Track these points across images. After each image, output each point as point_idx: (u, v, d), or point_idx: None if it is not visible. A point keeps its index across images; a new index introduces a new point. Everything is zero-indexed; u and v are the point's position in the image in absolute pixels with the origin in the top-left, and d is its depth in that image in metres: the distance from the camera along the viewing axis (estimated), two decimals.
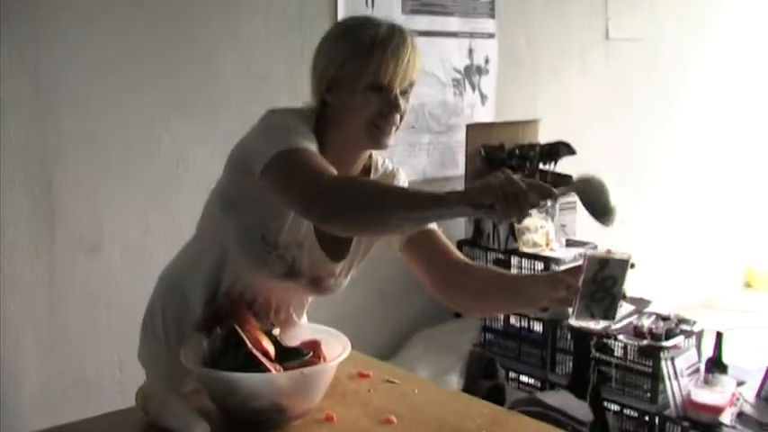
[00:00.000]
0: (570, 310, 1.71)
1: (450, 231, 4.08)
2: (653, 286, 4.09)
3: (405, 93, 1.85)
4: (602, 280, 1.68)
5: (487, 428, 1.84)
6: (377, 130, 1.85)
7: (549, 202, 1.61)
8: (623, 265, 1.69)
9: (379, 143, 1.89)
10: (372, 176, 2.04)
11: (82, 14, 2.90)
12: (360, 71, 1.81)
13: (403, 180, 2.09)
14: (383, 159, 2.10)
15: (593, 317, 1.71)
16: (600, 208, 1.65)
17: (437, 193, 1.64)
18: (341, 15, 3.64)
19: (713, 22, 5.84)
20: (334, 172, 1.74)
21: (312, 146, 1.80)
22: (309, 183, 1.72)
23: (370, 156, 2.02)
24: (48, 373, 2.94)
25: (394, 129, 1.88)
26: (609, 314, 1.70)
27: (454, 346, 3.74)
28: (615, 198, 1.64)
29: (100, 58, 2.95)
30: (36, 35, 2.80)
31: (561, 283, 1.78)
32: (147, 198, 2.79)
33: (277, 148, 1.76)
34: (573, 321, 1.61)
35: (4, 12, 2.71)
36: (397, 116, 1.85)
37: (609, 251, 1.72)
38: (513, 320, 3.93)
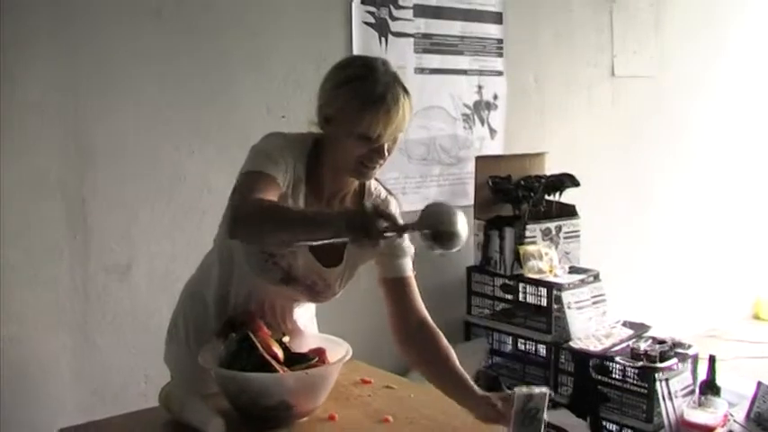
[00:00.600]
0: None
1: (461, 258, 4.29)
2: (659, 316, 4.27)
3: (394, 139, 2.07)
4: (529, 410, 1.91)
5: (472, 425, 2.04)
6: (363, 167, 2.08)
7: (397, 233, 1.77)
8: (544, 396, 1.93)
9: (363, 177, 2.14)
10: (365, 199, 2.24)
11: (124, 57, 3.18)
12: (353, 121, 2.02)
13: (394, 207, 2.28)
14: (376, 186, 2.29)
15: None
16: (443, 233, 1.78)
17: (319, 219, 1.91)
18: None
19: (718, 59, 5.92)
20: (270, 198, 1.97)
21: (277, 171, 2.02)
22: (237, 201, 1.99)
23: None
24: (78, 378, 3.17)
25: (378, 166, 2.09)
26: None
27: (464, 367, 3.91)
28: (461, 224, 1.79)
29: (131, 105, 3.22)
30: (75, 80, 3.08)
31: (493, 408, 1.99)
32: (174, 223, 3.03)
33: (244, 169, 2.04)
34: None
35: (48, 43, 3.00)
36: (382, 160, 2.07)
37: (530, 388, 1.94)
38: (520, 345, 4.11)
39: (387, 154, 2.07)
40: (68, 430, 2.09)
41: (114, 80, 3.17)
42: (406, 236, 2.16)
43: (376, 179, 2.30)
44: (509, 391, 1.95)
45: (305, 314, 2.42)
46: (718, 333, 5.75)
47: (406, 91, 2.06)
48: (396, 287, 2.26)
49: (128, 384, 3.18)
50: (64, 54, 3.06)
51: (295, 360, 2.08)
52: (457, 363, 2.17)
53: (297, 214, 2.01)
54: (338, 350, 2.14)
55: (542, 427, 1.92)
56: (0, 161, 2.95)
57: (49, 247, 3.07)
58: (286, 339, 2.15)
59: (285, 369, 2.02)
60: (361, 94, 2.02)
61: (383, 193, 2.31)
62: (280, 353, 2.07)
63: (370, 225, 1.73)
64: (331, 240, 1.85)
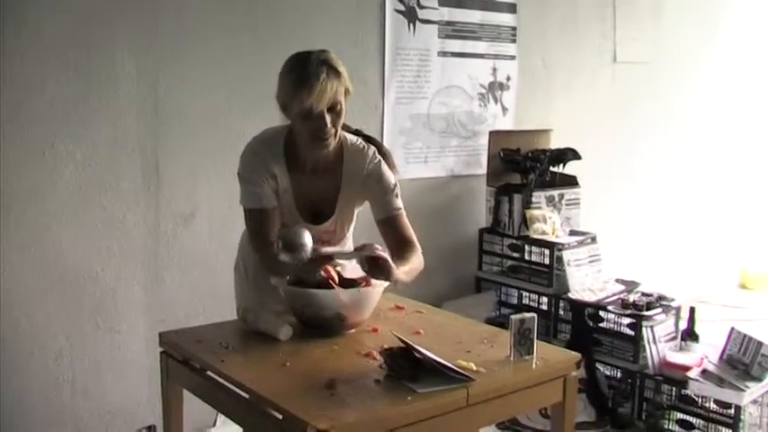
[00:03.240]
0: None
1: (473, 220, 4.76)
2: (651, 282, 4.63)
3: (332, 109, 2.52)
4: (524, 331, 2.37)
5: (487, 339, 2.55)
6: (317, 138, 2.56)
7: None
8: (533, 319, 2.39)
9: (321, 147, 2.60)
10: (345, 154, 2.70)
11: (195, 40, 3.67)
12: (293, 103, 2.52)
13: (371, 156, 2.73)
14: (353, 140, 2.75)
15: (521, 355, 2.37)
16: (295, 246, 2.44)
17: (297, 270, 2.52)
18: (388, 40, 4.33)
19: (711, 46, 6.24)
20: (273, 230, 2.58)
21: (263, 193, 2.62)
22: (255, 252, 2.72)
23: (340, 138, 2.68)
24: (149, 308, 3.68)
25: (330, 136, 2.56)
26: (531, 351, 2.38)
27: (473, 316, 4.27)
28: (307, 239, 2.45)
29: (199, 74, 3.72)
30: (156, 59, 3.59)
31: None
32: (231, 177, 3.49)
33: (242, 202, 2.69)
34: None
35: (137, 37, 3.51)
36: (328, 129, 2.53)
37: (522, 314, 2.40)
38: (524, 298, 4.53)
39: (330, 123, 2.52)
40: (168, 333, 2.60)
41: (187, 53, 3.66)
42: (389, 172, 2.72)
43: (359, 133, 2.81)
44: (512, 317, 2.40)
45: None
46: (707, 299, 6.08)
47: (332, 68, 2.51)
48: (387, 225, 2.73)
49: (189, 316, 3.68)
50: (146, 31, 3.55)
51: (347, 284, 2.57)
52: (407, 262, 2.63)
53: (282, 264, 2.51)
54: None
55: (534, 342, 2.38)
56: (97, 123, 3.47)
57: (130, 196, 3.58)
58: (339, 268, 2.63)
59: (340, 288, 2.52)
60: (293, 79, 2.51)
61: (361, 145, 2.76)
62: (336, 277, 2.57)
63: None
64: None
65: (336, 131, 2.58)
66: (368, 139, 2.82)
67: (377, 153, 2.76)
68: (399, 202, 2.74)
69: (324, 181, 2.69)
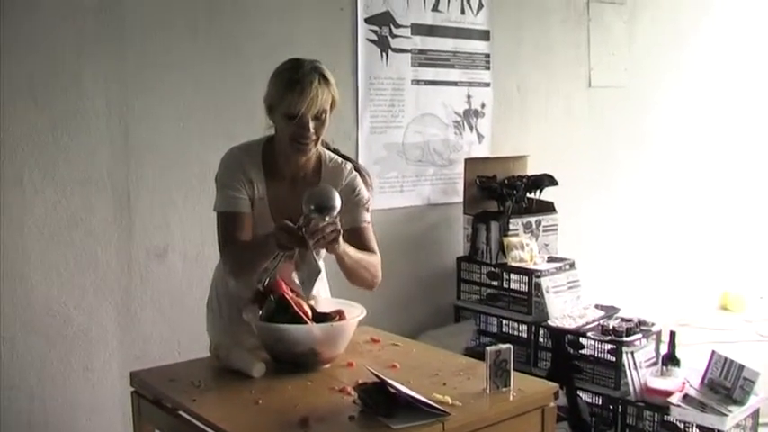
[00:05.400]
0: None
1: (451, 249, 4.74)
2: (632, 306, 4.64)
3: (317, 117, 2.56)
4: (500, 363, 2.35)
5: (464, 371, 2.51)
6: (296, 143, 2.59)
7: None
8: (509, 350, 2.36)
9: (299, 153, 2.63)
10: (323, 169, 2.74)
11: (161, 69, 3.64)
12: (281, 104, 2.55)
13: (348, 171, 2.77)
14: (331, 156, 2.78)
15: (498, 387, 2.34)
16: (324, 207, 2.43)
17: (260, 245, 2.55)
18: (361, 69, 4.33)
19: (684, 72, 6.29)
20: (244, 233, 2.62)
21: (239, 198, 2.62)
22: (222, 255, 2.70)
23: (320, 153, 2.72)
24: (123, 345, 3.63)
25: (311, 142, 2.59)
26: (507, 383, 2.35)
27: (453, 346, 4.25)
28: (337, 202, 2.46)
29: (168, 107, 3.70)
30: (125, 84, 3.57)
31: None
32: (204, 211, 3.45)
33: (216, 206, 2.68)
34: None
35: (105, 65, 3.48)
36: (309, 134, 2.56)
37: (498, 345, 2.37)
38: (504, 326, 4.50)
39: (313, 132, 2.56)
40: (139, 373, 2.56)
41: (155, 86, 3.64)
42: (363, 187, 2.77)
43: (336, 152, 2.84)
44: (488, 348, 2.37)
45: (319, 286, 2.86)
46: (688, 322, 6.05)
47: (324, 77, 2.56)
48: (352, 235, 2.71)
49: (165, 353, 3.63)
50: (114, 64, 3.54)
51: (320, 318, 2.55)
52: (363, 257, 2.66)
53: (249, 250, 2.60)
54: (354, 311, 2.60)
55: (511, 374, 2.36)
56: (67, 159, 3.44)
57: (102, 232, 3.54)
58: (312, 302, 2.62)
59: (313, 323, 2.49)
60: (285, 80, 2.55)
61: (339, 161, 2.79)
62: (309, 311, 2.54)
63: (281, 237, 2.42)
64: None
65: (317, 140, 2.61)
66: (345, 158, 2.86)
67: (353, 169, 2.81)
68: (368, 217, 2.79)
69: (300, 193, 2.66)
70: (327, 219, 2.40)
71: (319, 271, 2.57)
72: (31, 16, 3.31)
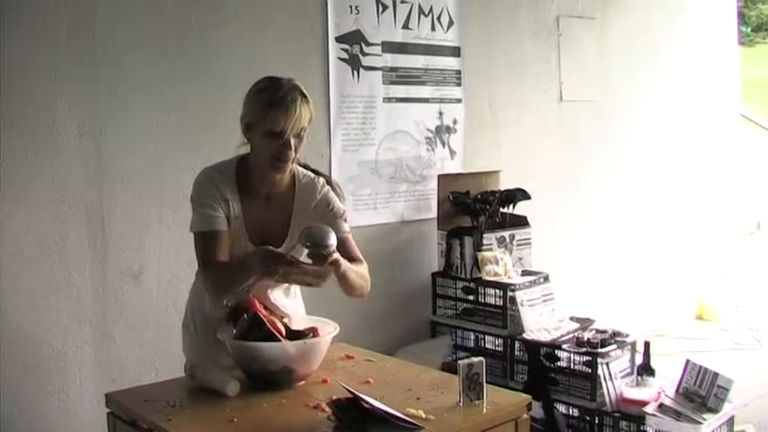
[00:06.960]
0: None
1: (426, 265, 4.77)
2: (608, 317, 4.68)
3: (298, 135, 2.57)
4: (472, 376, 2.36)
5: (438, 385, 2.52)
6: (276, 161, 2.59)
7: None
8: (481, 364, 2.37)
9: (278, 171, 2.64)
10: (297, 185, 2.75)
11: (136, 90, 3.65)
12: (263, 121, 2.55)
13: (321, 186, 2.78)
14: (304, 172, 2.79)
15: (471, 400, 2.35)
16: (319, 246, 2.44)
17: (240, 266, 2.53)
18: (332, 88, 4.36)
19: (654, 85, 6.37)
20: (221, 253, 2.61)
21: (215, 216, 2.61)
22: (202, 275, 2.66)
23: (292, 169, 2.73)
24: (99, 367, 3.62)
25: (291, 159, 2.60)
26: (480, 396, 2.36)
27: (429, 361, 4.26)
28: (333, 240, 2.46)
29: (141, 129, 3.71)
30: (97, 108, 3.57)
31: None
32: (178, 234, 3.47)
33: (192, 226, 2.65)
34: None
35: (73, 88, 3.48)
36: (290, 152, 2.57)
37: (470, 359, 2.38)
38: (480, 340, 4.51)
39: (293, 149, 2.57)
40: (115, 394, 2.55)
41: (127, 107, 3.66)
42: (337, 199, 2.79)
43: (307, 167, 2.84)
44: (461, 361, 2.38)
45: (293, 303, 2.91)
46: (665, 332, 6.16)
47: (304, 96, 2.57)
48: (337, 248, 2.64)
49: (141, 374, 3.63)
50: (87, 87, 3.55)
51: (294, 335, 2.55)
52: (358, 270, 2.68)
53: (230, 272, 2.59)
54: (327, 328, 2.61)
55: (484, 387, 2.37)
56: (39, 182, 3.44)
57: (76, 254, 3.54)
58: (286, 320, 2.63)
59: (287, 341, 2.50)
60: (266, 98, 2.55)
61: (312, 177, 2.81)
62: (282, 329, 2.54)
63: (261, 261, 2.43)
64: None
65: (295, 157, 2.62)
66: (316, 173, 2.87)
67: (326, 183, 2.82)
68: (347, 227, 2.80)
69: (275, 210, 2.71)
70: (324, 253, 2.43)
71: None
72: (3, 38, 3.31)
